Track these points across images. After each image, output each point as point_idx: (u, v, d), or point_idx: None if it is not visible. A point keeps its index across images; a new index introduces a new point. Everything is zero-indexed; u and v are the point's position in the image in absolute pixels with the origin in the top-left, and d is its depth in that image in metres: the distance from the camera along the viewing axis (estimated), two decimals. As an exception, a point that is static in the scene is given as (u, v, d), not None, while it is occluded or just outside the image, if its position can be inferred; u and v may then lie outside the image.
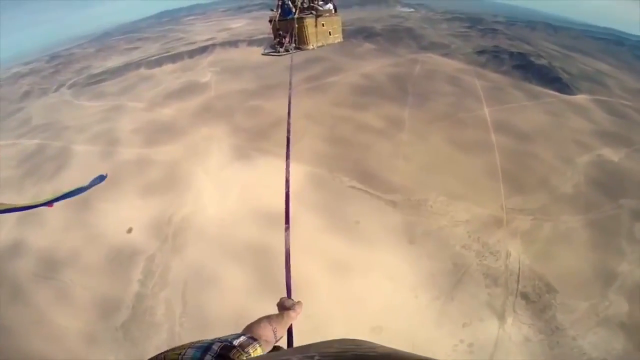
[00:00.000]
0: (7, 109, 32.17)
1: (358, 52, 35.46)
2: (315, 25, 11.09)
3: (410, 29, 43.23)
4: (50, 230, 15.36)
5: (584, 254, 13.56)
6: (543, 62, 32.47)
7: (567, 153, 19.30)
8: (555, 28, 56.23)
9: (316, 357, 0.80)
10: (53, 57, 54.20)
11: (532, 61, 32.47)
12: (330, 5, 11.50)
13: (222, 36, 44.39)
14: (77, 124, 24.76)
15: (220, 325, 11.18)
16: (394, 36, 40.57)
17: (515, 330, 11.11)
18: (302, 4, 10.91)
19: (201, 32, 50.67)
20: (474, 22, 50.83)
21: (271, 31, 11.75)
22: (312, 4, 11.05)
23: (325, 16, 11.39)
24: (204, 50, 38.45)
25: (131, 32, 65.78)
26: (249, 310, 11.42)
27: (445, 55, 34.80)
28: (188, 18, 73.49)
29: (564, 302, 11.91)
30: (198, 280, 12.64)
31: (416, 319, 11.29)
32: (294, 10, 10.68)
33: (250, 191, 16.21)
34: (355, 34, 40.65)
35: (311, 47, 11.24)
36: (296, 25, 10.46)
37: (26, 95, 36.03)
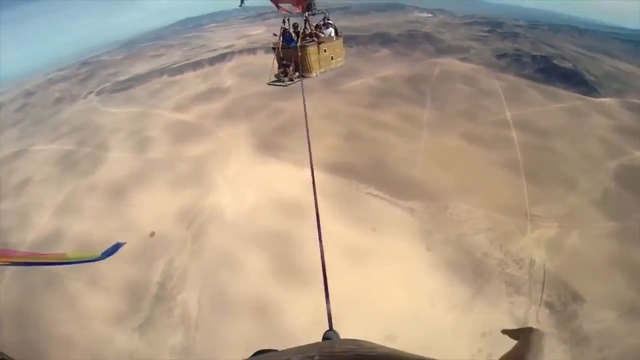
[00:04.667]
0: (39, 115, 33.86)
1: (375, 57, 35.41)
2: (318, 52, 11.06)
3: (428, 34, 42.79)
4: (84, 223, 16.20)
5: (614, 262, 12.92)
6: (567, 64, 31.37)
7: (595, 157, 18.51)
8: (580, 31, 54.27)
9: (316, 357, 0.82)
10: (84, 63, 56.43)
11: (555, 64, 31.42)
12: (331, 30, 11.50)
13: (241, 43, 45.31)
14: (103, 130, 25.78)
15: (238, 325, 11.27)
16: (411, 41, 40.23)
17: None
18: (304, 31, 10.91)
19: (221, 39, 51.89)
20: (494, 26, 49.68)
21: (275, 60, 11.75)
22: (313, 31, 11.04)
23: (327, 42, 11.39)
24: (224, 57, 39.34)
25: (157, 39, 67.95)
26: (268, 309, 11.48)
27: (464, 59, 34.22)
28: (210, 25, 75.41)
29: (591, 312, 11.36)
30: (216, 280, 12.81)
31: (432, 328, 11.00)
32: (296, 38, 10.72)
33: (269, 194, 16.36)
34: (372, 40, 40.60)
35: (314, 74, 11.20)
36: (299, 54, 10.48)
37: (58, 101, 37.76)
